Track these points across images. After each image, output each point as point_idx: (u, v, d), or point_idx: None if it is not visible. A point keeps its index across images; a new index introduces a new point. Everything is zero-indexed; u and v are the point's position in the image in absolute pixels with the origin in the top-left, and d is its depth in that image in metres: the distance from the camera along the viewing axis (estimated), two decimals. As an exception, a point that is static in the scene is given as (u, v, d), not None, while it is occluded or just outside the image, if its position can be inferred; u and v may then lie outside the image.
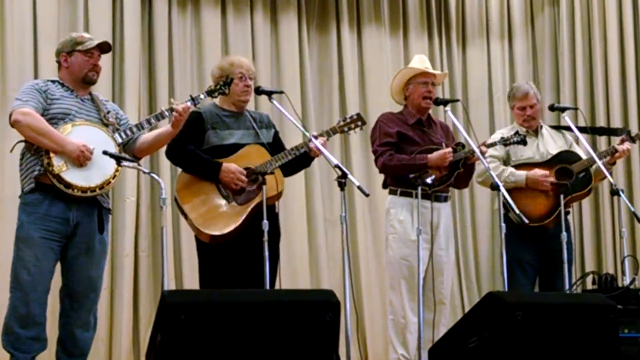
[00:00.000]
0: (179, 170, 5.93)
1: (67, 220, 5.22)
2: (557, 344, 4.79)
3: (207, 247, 5.75)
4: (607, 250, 9.03)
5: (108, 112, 5.46)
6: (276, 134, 6.12)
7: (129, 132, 5.42)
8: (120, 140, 5.37)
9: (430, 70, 6.57)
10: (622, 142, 6.71)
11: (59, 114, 5.27)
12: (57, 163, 5.12)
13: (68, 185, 5.13)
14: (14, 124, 5.21)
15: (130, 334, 7.44)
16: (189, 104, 5.50)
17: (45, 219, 5.18)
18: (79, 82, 5.42)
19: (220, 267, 5.71)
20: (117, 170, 5.28)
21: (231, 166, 5.71)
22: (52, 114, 5.25)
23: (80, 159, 5.14)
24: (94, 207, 5.33)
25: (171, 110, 5.45)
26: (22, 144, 5.30)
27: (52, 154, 5.12)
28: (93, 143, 5.21)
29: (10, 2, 7.19)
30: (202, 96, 5.64)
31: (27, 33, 7.25)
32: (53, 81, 5.42)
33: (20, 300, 5.15)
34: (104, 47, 5.52)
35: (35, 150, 5.19)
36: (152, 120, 5.48)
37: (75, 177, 5.15)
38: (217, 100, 6.00)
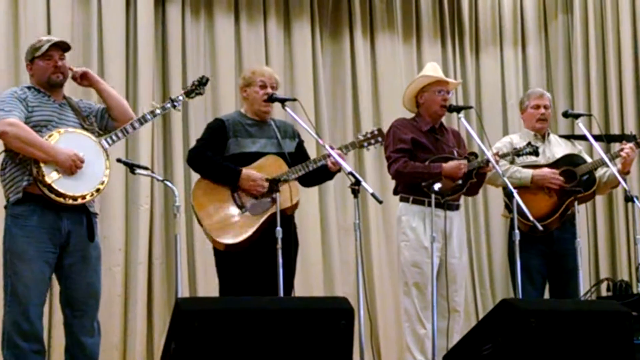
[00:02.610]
0: (193, 178, 5.94)
1: (59, 230, 5.17)
2: (572, 351, 4.77)
3: (225, 257, 5.75)
4: (622, 256, 9.01)
5: (87, 116, 5.44)
6: (300, 144, 6.10)
7: (114, 137, 5.35)
8: (107, 146, 5.32)
9: (447, 79, 6.57)
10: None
11: (42, 121, 5.20)
12: (48, 172, 5.06)
13: (59, 194, 5.08)
14: (0, 135, 5.12)
15: (144, 342, 7.45)
16: (168, 105, 5.53)
17: (38, 231, 5.12)
18: (47, 87, 5.35)
19: (239, 276, 5.70)
20: (106, 176, 5.25)
21: (252, 173, 5.71)
22: (35, 121, 5.18)
23: (72, 168, 5.09)
24: (83, 213, 5.27)
25: (152, 113, 5.46)
26: (3, 154, 5.23)
27: (41, 164, 5.06)
28: (81, 150, 5.16)
29: (24, 10, 7.22)
30: (180, 97, 5.65)
31: (41, 41, 7.27)
32: (29, 87, 5.35)
33: (21, 315, 5.10)
34: (61, 46, 5.41)
35: (20, 160, 5.13)
36: (136, 125, 5.44)
37: (67, 186, 5.10)
38: (242, 109, 6.01)
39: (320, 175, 5.94)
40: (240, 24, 8.27)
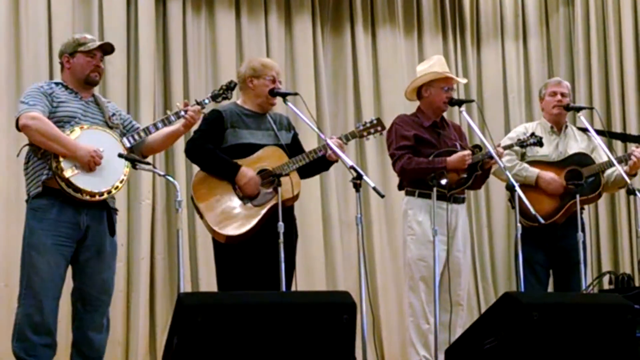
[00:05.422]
0: (195, 172, 5.94)
1: (77, 225, 5.21)
2: (574, 345, 4.78)
3: (224, 248, 5.75)
4: (624, 250, 9.01)
5: (113, 115, 5.47)
6: (295, 136, 6.11)
7: (136, 137, 5.44)
8: (128, 145, 5.38)
9: (456, 77, 6.60)
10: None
11: (65, 117, 5.25)
12: (67, 167, 5.11)
13: (77, 189, 5.13)
14: (22, 128, 5.18)
15: (147, 337, 7.45)
16: (197, 107, 5.55)
17: (57, 224, 5.16)
18: (81, 83, 5.41)
19: (237, 268, 5.70)
20: (125, 175, 5.29)
21: (249, 172, 5.71)
22: (59, 117, 5.24)
23: (91, 164, 5.14)
24: (103, 210, 5.33)
25: (177, 114, 5.49)
26: (27, 147, 5.30)
27: (61, 158, 5.11)
28: (102, 147, 5.21)
29: (25, 6, 7.21)
30: (206, 101, 5.69)
31: (42, 37, 7.25)
32: (57, 83, 5.42)
33: (34, 307, 5.13)
34: (106, 49, 5.52)
35: (42, 154, 5.18)
36: (159, 125, 5.50)
37: (85, 182, 5.15)
38: (239, 100, 6.02)
39: (317, 165, 5.95)
40: (241, 18, 8.26)
